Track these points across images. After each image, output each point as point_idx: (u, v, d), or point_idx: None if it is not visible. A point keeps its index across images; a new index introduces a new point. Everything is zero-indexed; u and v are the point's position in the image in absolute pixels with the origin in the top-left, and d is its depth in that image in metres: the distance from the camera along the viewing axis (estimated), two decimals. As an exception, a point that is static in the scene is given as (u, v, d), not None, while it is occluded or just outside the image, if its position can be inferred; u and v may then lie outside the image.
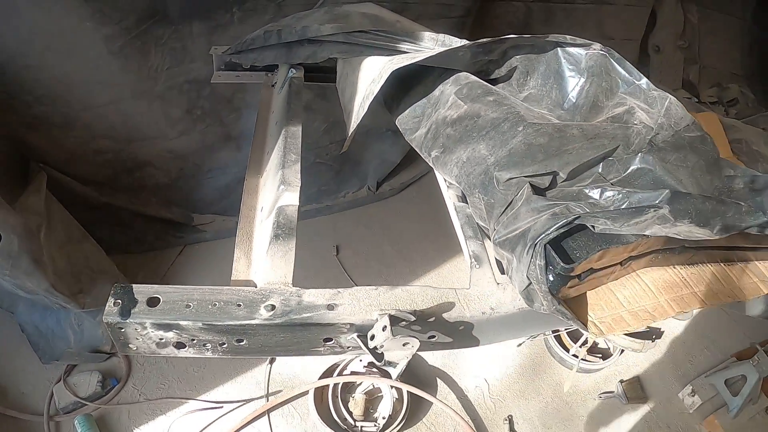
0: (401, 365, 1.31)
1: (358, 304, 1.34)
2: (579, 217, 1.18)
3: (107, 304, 1.22)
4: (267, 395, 2.58)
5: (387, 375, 2.59)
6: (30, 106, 2.46)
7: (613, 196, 1.27)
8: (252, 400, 2.57)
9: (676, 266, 1.62)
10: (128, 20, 2.42)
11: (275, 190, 1.66)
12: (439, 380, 2.76)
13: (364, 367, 2.57)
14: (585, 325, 1.37)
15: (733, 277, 1.74)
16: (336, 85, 2.20)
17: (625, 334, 2.95)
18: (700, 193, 1.36)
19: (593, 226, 1.25)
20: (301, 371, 2.70)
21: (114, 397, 2.58)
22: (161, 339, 1.28)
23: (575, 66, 1.71)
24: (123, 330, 1.23)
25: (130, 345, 1.29)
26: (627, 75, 1.65)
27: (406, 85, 1.91)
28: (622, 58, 1.67)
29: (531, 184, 1.33)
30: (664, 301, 1.50)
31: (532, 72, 1.80)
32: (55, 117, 2.55)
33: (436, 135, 1.68)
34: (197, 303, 1.26)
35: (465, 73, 1.77)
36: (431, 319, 1.37)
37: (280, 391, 2.60)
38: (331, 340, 1.35)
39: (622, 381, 2.88)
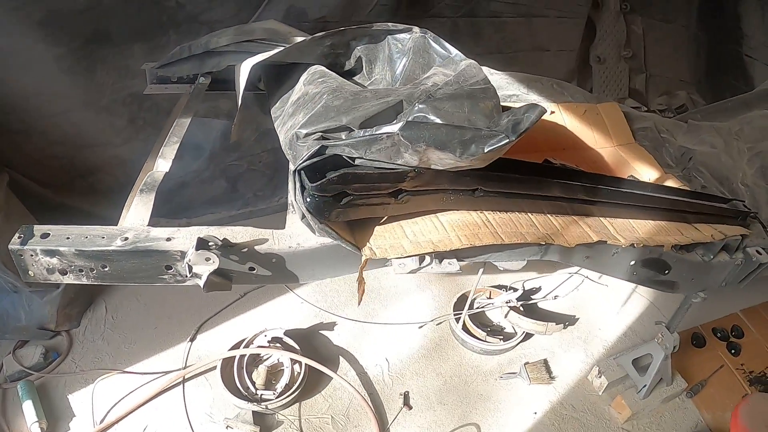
0: (204, 277, 1.60)
1: (190, 237, 1.67)
2: (325, 146, 1.50)
3: (13, 237, 1.59)
4: (184, 367, 2.90)
5: (289, 349, 2.90)
6: (-6, 114, 2.88)
7: (367, 132, 1.51)
8: (171, 372, 2.88)
9: (484, 212, 1.87)
10: (76, 42, 2.85)
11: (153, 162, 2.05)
12: (341, 358, 3.02)
13: (268, 342, 2.87)
14: (360, 249, 1.68)
15: (555, 225, 1.96)
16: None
17: (529, 318, 3.17)
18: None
19: (352, 159, 1.55)
20: (216, 348, 3.01)
21: (54, 369, 2.91)
22: (50, 265, 1.62)
23: (401, 49, 2.05)
24: (22, 256, 1.59)
25: (29, 271, 1.63)
26: (441, 50, 1.98)
27: (280, 83, 2.26)
28: (438, 37, 2.00)
29: (324, 137, 1.63)
30: (454, 236, 1.75)
31: (374, 60, 2.14)
32: (15, 124, 2.95)
33: (283, 115, 2.02)
34: (74, 236, 1.62)
35: (317, 65, 2.08)
36: (245, 250, 1.67)
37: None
38: (171, 268, 1.67)
39: (526, 363, 3.04)
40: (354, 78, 2.21)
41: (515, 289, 3.29)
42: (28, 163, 3.14)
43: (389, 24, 2.07)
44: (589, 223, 2.05)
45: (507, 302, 3.18)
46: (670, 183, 2.61)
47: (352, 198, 1.57)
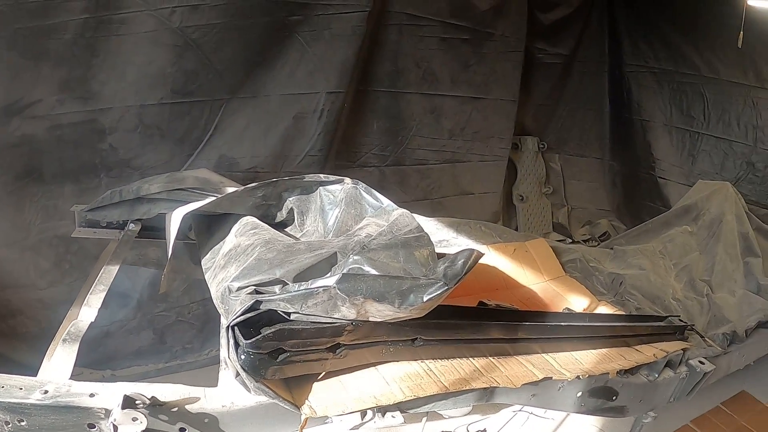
0: (131, 441, 1.49)
1: (116, 394, 1.56)
2: (259, 302, 1.46)
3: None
4: None
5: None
6: None
7: (303, 285, 1.50)
8: None
9: (425, 360, 1.84)
10: (6, 176, 2.81)
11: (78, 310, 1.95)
12: None
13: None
14: (299, 407, 1.61)
15: (498, 367, 1.94)
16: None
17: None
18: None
19: (287, 314, 1.52)
20: None
21: None
22: (-37, 416, 1.48)
23: (333, 200, 2.08)
24: (-69, 408, 1.44)
25: (-60, 419, 1.48)
26: (373, 200, 2.03)
27: (211, 233, 2.21)
28: (369, 188, 2.04)
29: (257, 291, 1.58)
30: (397, 389, 1.71)
31: (306, 212, 2.16)
32: (-67, 258, 2.79)
33: (215, 267, 1.96)
34: (-10, 385, 1.48)
35: (249, 216, 2.08)
36: (175, 409, 1.57)
37: None
38: (94, 426, 1.53)
39: None
40: (286, 229, 2.21)
41: (461, 435, 3.20)
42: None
43: (321, 175, 2.11)
44: (532, 361, 2.06)
45: (455, 449, 3.07)
46: (605, 310, 2.67)
47: (288, 354, 1.53)
